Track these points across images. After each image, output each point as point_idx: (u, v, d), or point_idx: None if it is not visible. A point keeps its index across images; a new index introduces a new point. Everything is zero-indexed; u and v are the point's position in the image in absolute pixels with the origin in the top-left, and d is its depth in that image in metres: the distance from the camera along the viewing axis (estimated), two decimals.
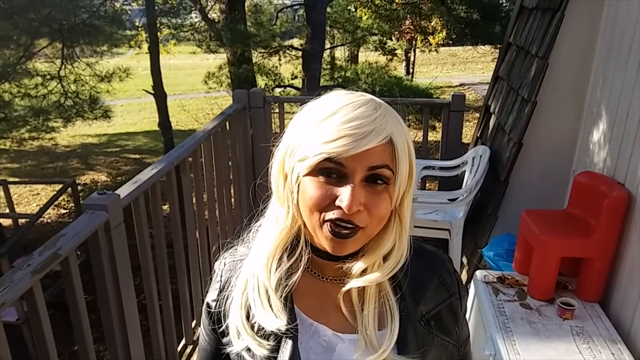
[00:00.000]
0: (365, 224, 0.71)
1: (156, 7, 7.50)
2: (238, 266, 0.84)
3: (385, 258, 0.77)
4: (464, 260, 3.04)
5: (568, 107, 2.53)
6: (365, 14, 10.76)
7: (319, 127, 0.70)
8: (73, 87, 6.33)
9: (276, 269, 0.78)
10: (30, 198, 9.24)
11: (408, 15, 11.10)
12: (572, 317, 2.05)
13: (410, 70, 15.84)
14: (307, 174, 0.71)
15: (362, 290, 0.79)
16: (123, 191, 1.80)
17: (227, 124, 2.93)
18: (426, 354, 0.80)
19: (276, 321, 0.76)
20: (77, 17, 5.59)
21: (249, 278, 0.81)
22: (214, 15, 9.61)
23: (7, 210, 6.64)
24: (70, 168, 10.95)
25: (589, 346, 1.90)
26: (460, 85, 16.25)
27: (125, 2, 10.56)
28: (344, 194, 0.68)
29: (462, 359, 0.91)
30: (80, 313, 1.56)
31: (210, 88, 9.37)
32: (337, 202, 0.69)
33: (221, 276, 0.85)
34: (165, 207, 2.33)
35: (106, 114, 6.70)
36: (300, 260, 0.78)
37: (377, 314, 0.79)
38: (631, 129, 2.06)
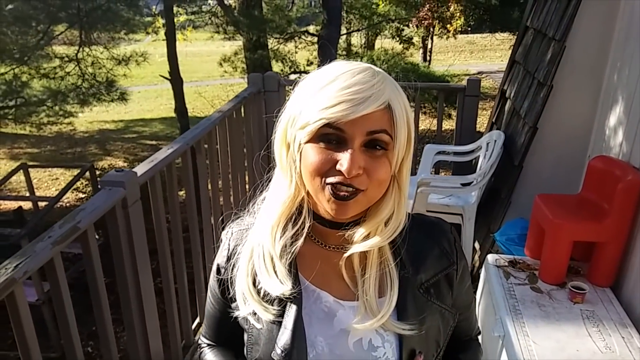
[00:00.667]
0: (366, 186, 0.73)
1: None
2: (244, 235, 0.87)
3: (385, 224, 0.79)
4: (477, 245, 3.04)
5: (584, 91, 2.51)
6: (384, 2, 10.67)
7: (319, 94, 0.72)
8: (90, 69, 6.41)
9: (280, 237, 0.80)
10: (50, 183, 9.41)
11: (426, 2, 10.97)
12: (583, 301, 2.05)
13: (428, 57, 15.68)
14: (308, 141, 0.73)
15: (363, 258, 0.81)
16: (140, 169, 1.84)
17: (242, 107, 2.96)
18: (424, 321, 0.82)
19: (281, 286, 0.78)
20: (94, 1, 5.65)
21: (254, 246, 0.83)
22: (230, 1, 9.61)
23: (28, 194, 6.78)
24: (88, 153, 11.11)
25: (599, 329, 1.90)
26: (478, 73, 16.03)
27: None
28: (344, 158, 0.70)
29: (460, 325, 0.93)
30: (99, 286, 1.61)
31: (225, 71, 9.40)
32: (338, 167, 0.71)
33: (228, 244, 0.88)
34: (181, 193, 2.37)
35: (122, 97, 6.78)
36: (304, 228, 0.80)
37: (378, 281, 0.81)
38: None
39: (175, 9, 8.62)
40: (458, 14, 12.31)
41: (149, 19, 10.38)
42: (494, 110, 3.54)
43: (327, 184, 0.72)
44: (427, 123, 8.64)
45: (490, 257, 2.36)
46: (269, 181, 0.85)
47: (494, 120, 3.45)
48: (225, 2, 9.58)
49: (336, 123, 0.70)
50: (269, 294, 0.80)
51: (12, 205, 7.67)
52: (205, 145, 2.43)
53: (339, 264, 0.81)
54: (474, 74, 15.19)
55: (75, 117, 9.41)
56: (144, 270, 1.83)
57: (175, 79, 7.55)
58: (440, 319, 0.85)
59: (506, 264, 2.32)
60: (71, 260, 5.70)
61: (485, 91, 11.35)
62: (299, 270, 0.83)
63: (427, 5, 11.20)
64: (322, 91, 0.71)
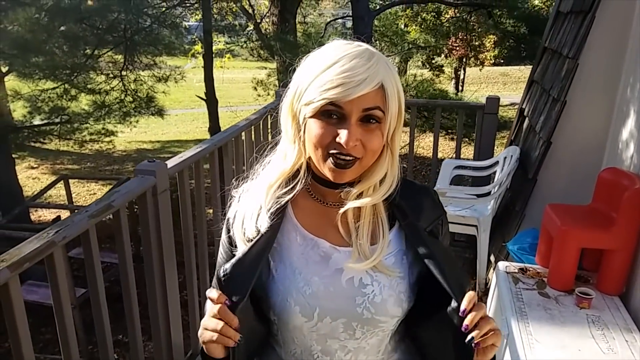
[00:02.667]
0: (361, 155, 0.86)
1: (213, 24, 7.97)
2: (249, 185, 1.00)
3: (379, 184, 0.92)
4: (492, 258, 3.09)
5: (597, 107, 2.58)
6: (414, 30, 10.89)
7: (322, 76, 0.84)
8: (133, 86, 6.84)
9: (274, 191, 0.94)
10: (88, 197, 9.82)
11: (459, 33, 11.13)
12: (589, 307, 2.08)
13: (460, 87, 15.78)
14: (312, 116, 0.86)
15: (357, 212, 0.94)
16: (170, 163, 2.01)
17: (269, 116, 3.14)
18: (442, 255, 0.93)
19: (254, 229, 0.91)
20: (139, 23, 6.04)
21: (251, 196, 0.96)
22: (266, 26, 10.02)
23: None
24: (125, 171, 11.54)
25: (603, 333, 1.93)
26: (511, 104, 15.95)
27: (183, 16, 11.14)
28: (343, 132, 0.84)
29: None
30: (127, 264, 1.76)
31: (259, 95, 9.73)
32: (337, 139, 0.84)
33: (238, 200, 1.02)
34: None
35: (160, 112, 7.16)
36: (295, 186, 0.94)
37: (370, 231, 0.93)
38: None
39: (214, 36, 9.08)
40: (490, 46, 12.43)
41: (189, 46, 10.87)
42: (513, 128, 3.62)
43: (329, 154, 0.86)
44: (447, 147, 8.65)
45: (501, 264, 2.42)
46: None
47: (512, 138, 3.53)
48: (261, 28, 10.00)
49: (336, 102, 0.83)
50: (249, 236, 0.93)
51: (51, 215, 8.06)
52: (233, 149, 2.61)
53: (335, 218, 0.94)
54: (506, 105, 15.16)
55: (116, 136, 9.88)
56: (169, 256, 1.98)
57: (211, 100, 7.87)
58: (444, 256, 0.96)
59: (516, 270, 2.38)
60: (103, 271, 5.95)
61: (511, 118, 11.32)
62: (299, 221, 0.95)
63: (460, 35, 11.37)
64: (325, 73, 0.84)
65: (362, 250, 0.92)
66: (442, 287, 0.88)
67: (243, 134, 2.75)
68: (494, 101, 3.34)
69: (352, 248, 0.93)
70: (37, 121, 8.68)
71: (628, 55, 2.47)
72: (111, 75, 6.65)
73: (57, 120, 8.75)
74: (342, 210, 0.92)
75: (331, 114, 0.85)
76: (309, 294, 0.91)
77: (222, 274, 0.89)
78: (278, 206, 0.93)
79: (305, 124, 0.88)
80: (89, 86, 6.50)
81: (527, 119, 3.30)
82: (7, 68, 6.27)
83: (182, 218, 2.14)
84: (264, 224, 0.92)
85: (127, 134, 12.29)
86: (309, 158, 0.91)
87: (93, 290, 1.61)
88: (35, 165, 12.20)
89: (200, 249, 2.38)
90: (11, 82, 7.01)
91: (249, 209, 0.95)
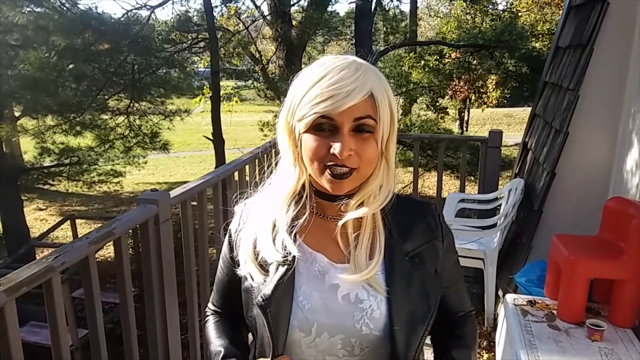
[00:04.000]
0: (357, 165, 0.86)
1: (221, 68, 8.20)
2: (254, 208, 1.00)
3: (375, 195, 0.91)
4: (500, 292, 3.02)
5: (600, 137, 2.58)
6: (418, 72, 11.09)
7: (311, 90, 0.86)
8: (138, 121, 6.98)
9: (286, 212, 0.94)
10: None
11: (462, 75, 11.32)
12: (602, 339, 2.02)
13: (464, 128, 15.90)
14: (306, 131, 0.87)
15: (357, 225, 0.93)
16: (173, 193, 2.02)
17: (273, 150, 3.16)
18: (410, 284, 0.92)
19: (277, 254, 0.91)
20: (148, 64, 6.22)
21: (259, 218, 0.96)
22: (272, 69, 10.26)
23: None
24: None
25: None
26: (515, 145, 16.06)
27: (192, 62, 11.44)
28: (336, 143, 0.84)
29: (451, 299, 1.03)
30: (127, 294, 1.74)
31: (265, 135, 9.87)
32: (332, 150, 0.85)
33: (241, 215, 1.02)
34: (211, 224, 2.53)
35: (165, 147, 7.26)
36: (307, 206, 0.94)
37: (370, 244, 0.92)
38: None
39: (222, 81, 9.31)
40: (493, 85, 12.60)
41: (197, 89, 11.12)
42: (516, 163, 3.62)
43: (326, 167, 0.86)
44: (452, 186, 8.63)
45: (509, 297, 2.37)
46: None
47: (516, 172, 3.52)
48: (268, 72, 10.24)
49: (328, 114, 0.84)
50: (265, 260, 0.92)
51: None
52: (236, 179, 2.61)
53: (335, 231, 0.93)
54: (510, 145, 15.23)
55: (123, 177, 9.99)
56: (170, 287, 1.96)
57: (218, 140, 7.99)
58: (428, 283, 0.95)
59: (524, 303, 2.32)
60: (106, 311, 5.87)
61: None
62: (300, 237, 0.95)
63: (463, 77, 11.55)
64: (314, 87, 0.86)
65: (359, 264, 0.91)
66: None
67: (247, 167, 2.76)
68: (497, 134, 3.35)
69: (350, 263, 0.92)
70: (47, 162, 8.83)
71: (629, 85, 2.49)
72: (117, 112, 6.81)
73: (67, 161, 8.90)
74: (341, 222, 0.91)
75: (323, 127, 0.86)
76: (307, 308, 0.90)
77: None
78: (295, 231, 0.93)
79: (300, 140, 0.89)
80: (95, 122, 6.64)
81: (530, 152, 3.31)
82: (20, 112, 6.44)
83: (184, 248, 2.12)
84: (293, 250, 0.91)
85: (135, 176, 12.41)
86: (310, 175, 0.91)
87: (91, 320, 1.59)
88: (44, 207, 12.29)
89: (202, 287, 2.35)
90: (22, 122, 7.17)
91: (261, 233, 0.95)
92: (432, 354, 1.07)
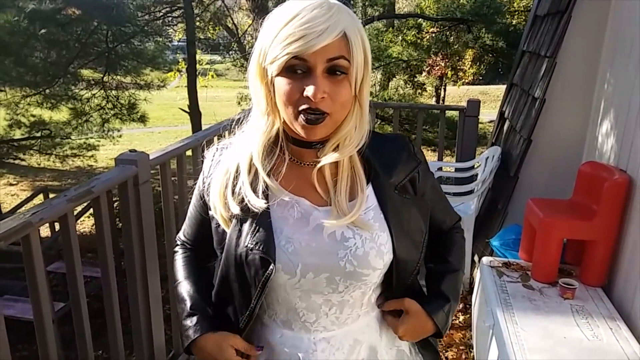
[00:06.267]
0: (331, 110, 0.85)
1: (197, 44, 7.99)
2: (225, 153, 0.99)
3: (349, 138, 0.90)
4: (476, 258, 3.09)
5: (576, 104, 2.63)
6: (397, 46, 11.06)
7: (283, 31, 0.83)
8: (114, 92, 6.81)
9: (260, 158, 0.92)
10: None
11: (439, 51, 11.32)
12: (573, 297, 2.09)
13: (441, 104, 15.99)
14: (278, 74, 0.85)
15: (334, 169, 0.94)
16: (152, 154, 1.99)
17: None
18: (403, 216, 0.96)
19: (259, 201, 0.91)
20: (122, 30, 6.04)
21: (230, 165, 0.95)
22: (250, 41, 10.09)
23: None
24: None
25: (587, 321, 1.94)
26: (490, 122, 16.26)
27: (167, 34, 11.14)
28: (309, 86, 0.82)
29: (437, 215, 1.08)
30: (107, 254, 1.72)
31: (243, 110, 9.77)
32: (305, 93, 0.83)
33: (212, 159, 1.01)
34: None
35: (142, 119, 7.12)
36: (284, 152, 0.93)
37: (349, 187, 0.93)
38: (631, 119, 2.15)
39: (198, 55, 9.10)
40: (469, 63, 12.66)
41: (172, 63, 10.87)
42: (493, 131, 3.67)
43: (300, 112, 0.84)
44: (429, 159, 8.71)
45: (485, 259, 2.43)
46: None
47: (493, 140, 3.57)
48: (245, 45, 10.07)
49: (300, 55, 0.82)
50: (243, 204, 0.92)
51: None
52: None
53: (312, 177, 0.93)
54: (486, 122, 15.41)
55: (97, 151, 9.77)
56: (150, 248, 1.94)
57: (194, 112, 7.86)
58: (417, 208, 0.99)
59: (500, 265, 2.39)
60: (86, 284, 5.81)
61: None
62: (280, 183, 0.94)
63: (441, 53, 11.55)
64: (285, 28, 0.83)
65: (341, 208, 0.91)
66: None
67: (227, 133, 2.73)
68: (475, 104, 3.39)
69: (331, 206, 0.92)
70: (17, 135, 8.57)
71: (604, 52, 2.53)
72: (92, 82, 6.61)
73: (38, 134, 8.65)
74: (317, 166, 0.91)
75: (296, 68, 0.83)
76: (290, 251, 0.90)
77: (255, 244, 0.90)
78: (272, 178, 0.93)
79: (273, 84, 0.86)
80: (69, 93, 6.45)
81: (507, 120, 3.35)
82: None
83: (164, 210, 2.10)
84: (263, 199, 0.91)
85: (110, 150, 12.16)
86: (283, 121, 0.90)
87: (72, 282, 1.57)
88: (15, 182, 11.97)
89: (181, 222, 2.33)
90: None
91: (233, 177, 0.94)
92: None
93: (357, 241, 0.91)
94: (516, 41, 9.87)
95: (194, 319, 1.01)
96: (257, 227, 0.91)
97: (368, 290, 0.96)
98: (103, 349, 3.53)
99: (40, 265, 1.38)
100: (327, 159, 0.90)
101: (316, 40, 0.81)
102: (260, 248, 0.89)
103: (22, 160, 9.70)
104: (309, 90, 0.82)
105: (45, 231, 7.61)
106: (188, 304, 1.04)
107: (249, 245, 0.90)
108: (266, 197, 0.92)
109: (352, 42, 0.84)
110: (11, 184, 11.85)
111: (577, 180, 2.37)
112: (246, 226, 0.92)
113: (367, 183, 0.95)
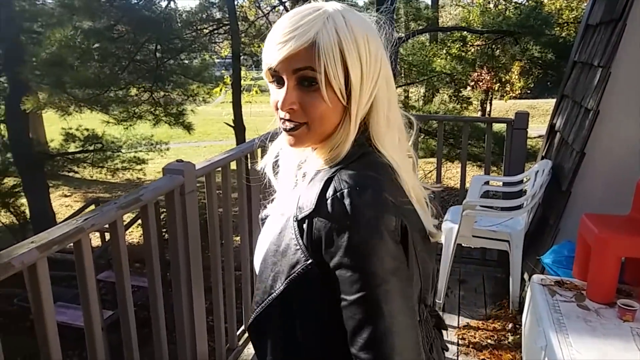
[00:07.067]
0: (304, 120, 0.82)
1: (242, 60, 8.21)
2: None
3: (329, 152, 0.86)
4: (525, 276, 2.97)
5: (632, 115, 2.50)
6: (441, 60, 10.94)
7: (266, 40, 0.82)
8: (162, 101, 7.10)
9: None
10: None
11: (485, 64, 11.12)
12: (633, 319, 1.97)
13: (487, 117, 15.64)
14: (269, 82, 0.85)
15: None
16: (198, 165, 2.03)
17: None
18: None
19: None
20: (170, 46, 6.27)
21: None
22: None
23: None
24: None
25: None
26: (539, 137, 15.78)
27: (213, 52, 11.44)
28: (280, 96, 0.81)
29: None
30: (154, 263, 1.76)
31: None
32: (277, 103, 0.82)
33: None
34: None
35: (189, 126, 7.36)
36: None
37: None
38: None
39: (243, 72, 9.32)
40: (517, 76, 12.35)
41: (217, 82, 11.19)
42: (543, 144, 3.54)
43: (281, 119, 0.84)
44: (473, 174, 8.51)
45: (536, 277, 2.33)
46: None
47: (543, 154, 3.45)
48: None
49: (272, 66, 0.80)
50: None
51: None
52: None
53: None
54: (534, 137, 14.97)
55: (146, 164, 10.13)
56: (195, 257, 1.97)
57: (239, 127, 8.01)
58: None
59: (552, 283, 2.28)
60: (133, 293, 5.97)
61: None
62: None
63: (486, 66, 11.34)
64: (268, 37, 0.82)
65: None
66: None
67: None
68: (523, 116, 3.29)
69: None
70: (71, 149, 9.01)
71: None
72: (142, 89, 6.91)
73: (91, 148, 9.07)
74: (299, 173, 0.91)
75: (275, 78, 0.83)
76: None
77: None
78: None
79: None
80: (118, 93, 6.73)
81: (558, 133, 3.23)
82: (45, 88, 6.54)
83: (209, 222, 2.13)
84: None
85: (158, 164, 12.54)
86: None
87: (120, 286, 1.60)
88: (69, 194, 12.54)
89: (226, 259, 2.36)
90: (44, 97, 7.29)
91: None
92: None
93: None
94: (566, 53, 9.53)
95: None
96: None
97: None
98: (148, 357, 3.62)
99: (91, 271, 1.42)
100: (305, 168, 0.90)
101: (281, 50, 0.78)
102: None
103: (76, 172, 10.17)
104: (279, 101, 0.81)
105: (96, 241, 7.90)
106: None
107: None
108: None
109: (321, 51, 0.76)
110: (66, 196, 12.41)
111: (636, 195, 2.25)
112: None
113: None
